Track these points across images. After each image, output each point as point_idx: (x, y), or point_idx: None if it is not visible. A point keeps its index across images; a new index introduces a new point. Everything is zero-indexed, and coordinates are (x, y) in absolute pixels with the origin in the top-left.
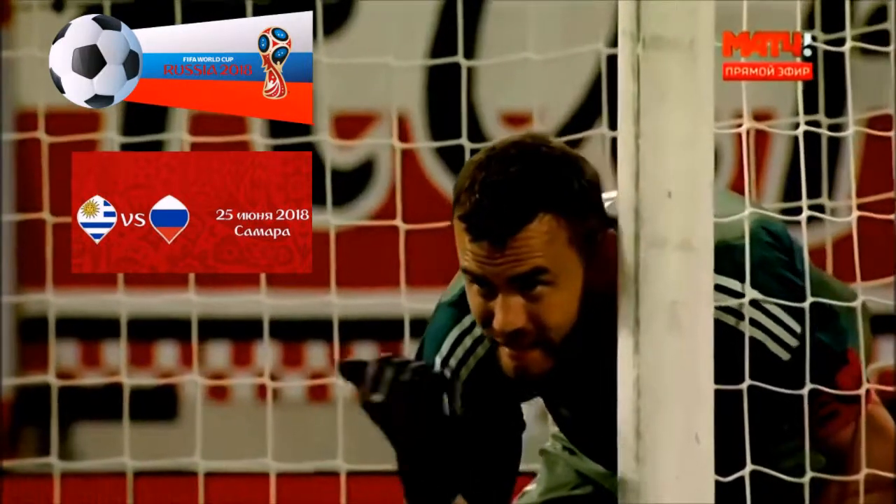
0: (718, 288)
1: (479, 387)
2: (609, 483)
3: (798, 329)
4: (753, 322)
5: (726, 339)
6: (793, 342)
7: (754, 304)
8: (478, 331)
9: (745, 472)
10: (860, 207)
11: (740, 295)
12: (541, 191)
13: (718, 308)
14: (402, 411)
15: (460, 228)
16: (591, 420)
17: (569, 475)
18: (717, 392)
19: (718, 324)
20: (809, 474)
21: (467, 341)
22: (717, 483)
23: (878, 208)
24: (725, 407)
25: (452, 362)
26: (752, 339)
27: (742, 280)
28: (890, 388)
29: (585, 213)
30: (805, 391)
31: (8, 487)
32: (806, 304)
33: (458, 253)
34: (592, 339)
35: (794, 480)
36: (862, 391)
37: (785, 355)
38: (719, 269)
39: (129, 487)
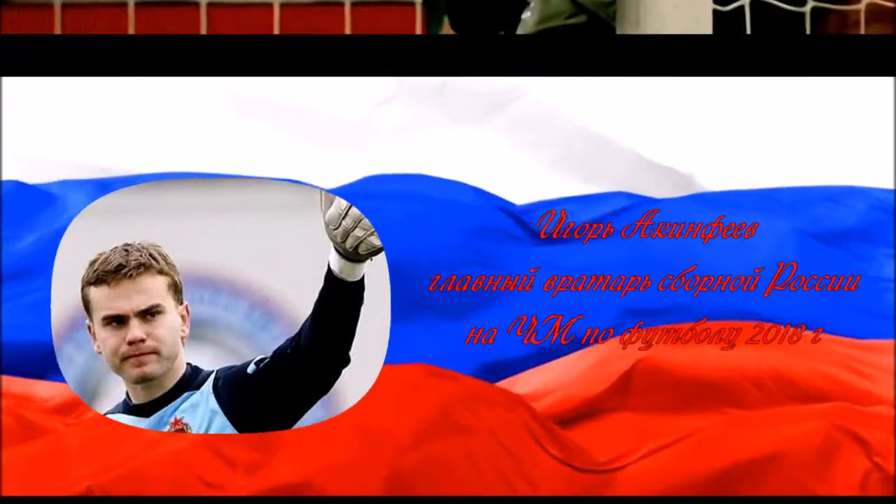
0: None
1: None
2: (604, 13)
3: None
4: None
5: None
6: None
7: None
8: None
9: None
10: None
11: None
12: None
13: None
14: None
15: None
16: None
17: (563, 4)
18: None
19: None
20: (810, 3)
21: None
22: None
23: None
24: None
25: None
26: None
27: None
28: None
29: None
30: None
31: (7, 16)
32: None
33: None
34: None
35: (795, 10)
36: None
37: None
38: None
39: (130, 16)
